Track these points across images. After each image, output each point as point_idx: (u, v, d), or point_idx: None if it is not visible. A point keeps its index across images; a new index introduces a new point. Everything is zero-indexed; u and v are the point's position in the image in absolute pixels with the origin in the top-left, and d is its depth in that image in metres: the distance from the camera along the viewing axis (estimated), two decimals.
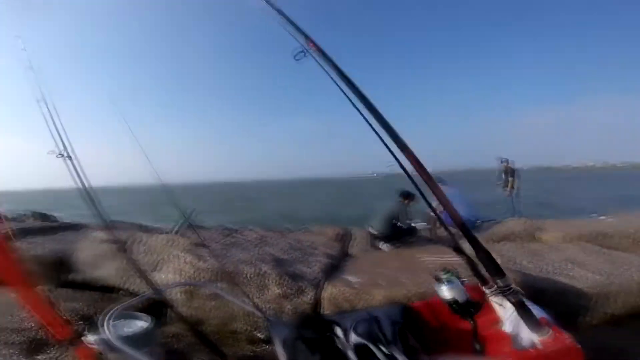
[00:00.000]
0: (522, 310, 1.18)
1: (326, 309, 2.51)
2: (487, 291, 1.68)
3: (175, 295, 2.74)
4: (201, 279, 2.93)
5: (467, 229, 1.27)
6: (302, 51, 1.31)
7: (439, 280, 1.63)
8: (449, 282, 1.45)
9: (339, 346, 1.46)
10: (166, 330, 2.52)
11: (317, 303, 2.61)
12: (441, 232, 4.89)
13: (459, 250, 1.77)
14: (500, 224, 4.77)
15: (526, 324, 1.20)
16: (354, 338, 1.48)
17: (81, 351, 1.37)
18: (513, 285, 1.15)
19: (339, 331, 1.55)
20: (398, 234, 4.39)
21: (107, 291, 3.20)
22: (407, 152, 1.29)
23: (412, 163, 1.29)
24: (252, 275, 2.83)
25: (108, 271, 3.31)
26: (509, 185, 6.67)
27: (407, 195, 4.55)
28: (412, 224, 4.50)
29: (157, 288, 1.45)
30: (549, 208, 11.71)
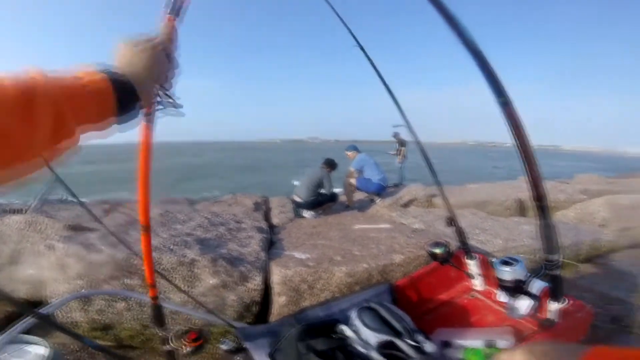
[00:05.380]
0: (554, 283, 1.17)
1: (279, 295, 2.18)
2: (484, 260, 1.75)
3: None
4: (97, 276, 2.12)
5: None
6: None
7: (470, 256, 1.80)
8: (507, 263, 1.41)
9: (359, 349, 1.20)
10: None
11: (266, 289, 2.24)
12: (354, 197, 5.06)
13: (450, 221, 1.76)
14: (404, 189, 5.24)
15: (550, 296, 1.20)
16: (370, 334, 1.25)
17: None
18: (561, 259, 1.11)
19: (347, 330, 1.29)
20: (322, 201, 4.31)
21: None
22: None
23: None
24: (174, 265, 2.21)
25: None
26: (401, 154, 7.40)
27: (331, 164, 4.58)
28: (334, 191, 4.49)
29: (38, 313, 0.87)
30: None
